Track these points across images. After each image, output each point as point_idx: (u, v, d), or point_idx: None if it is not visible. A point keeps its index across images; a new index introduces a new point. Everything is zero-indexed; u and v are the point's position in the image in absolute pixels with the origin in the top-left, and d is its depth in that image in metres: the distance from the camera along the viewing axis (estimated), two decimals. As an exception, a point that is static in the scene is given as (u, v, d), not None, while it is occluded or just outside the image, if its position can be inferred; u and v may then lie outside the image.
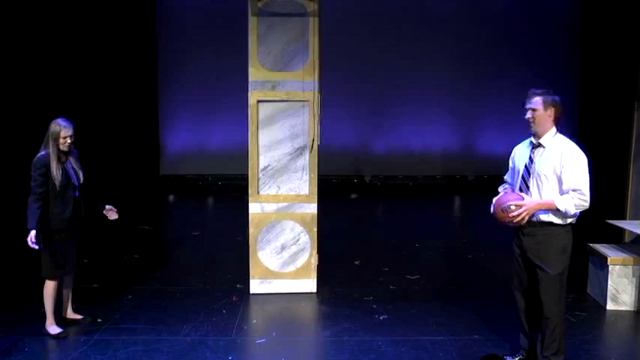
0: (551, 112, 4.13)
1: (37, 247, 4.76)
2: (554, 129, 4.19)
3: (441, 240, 8.44)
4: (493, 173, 13.19)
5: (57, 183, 4.82)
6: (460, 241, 8.54)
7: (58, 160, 4.86)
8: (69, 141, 4.88)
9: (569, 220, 4.14)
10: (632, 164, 7.11)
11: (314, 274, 6.14)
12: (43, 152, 4.87)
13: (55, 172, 4.81)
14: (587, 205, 4.06)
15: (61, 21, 10.17)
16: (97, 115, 11.08)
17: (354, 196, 12.97)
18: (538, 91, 4.19)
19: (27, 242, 4.75)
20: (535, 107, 4.15)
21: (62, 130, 4.85)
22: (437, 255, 7.72)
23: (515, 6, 13.39)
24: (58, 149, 4.86)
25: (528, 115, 4.19)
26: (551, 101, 4.14)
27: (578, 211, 4.08)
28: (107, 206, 5.31)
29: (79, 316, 5.34)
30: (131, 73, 12.41)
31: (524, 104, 4.21)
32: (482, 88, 13.48)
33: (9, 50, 8.81)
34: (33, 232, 4.74)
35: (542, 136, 4.19)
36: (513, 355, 4.58)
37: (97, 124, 10.73)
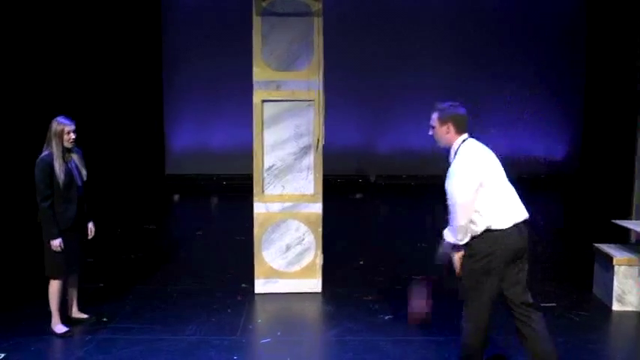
0: (449, 127, 3.96)
1: (60, 249, 4.88)
2: (455, 143, 3.98)
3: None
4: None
5: (60, 182, 4.83)
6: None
7: (62, 158, 4.87)
8: (72, 136, 4.91)
9: (476, 230, 3.83)
10: (637, 163, 7.07)
11: (319, 274, 6.13)
12: (46, 152, 4.88)
13: (58, 171, 4.82)
14: (456, 223, 3.81)
15: (65, 20, 10.18)
16: (102, 114, 11.09)
17: (358, 195, 12.95)
18: (438, 106, 4.03)
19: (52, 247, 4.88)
20: (432, 124, 4.02)
21: (66, 127, 4.88)
22: (441, 255, 7.69)
23: (519, 6, 13.35)
24: (63, 147, 4.88)
25: (430, 132, 4.06)
26: (448, 115, 3.96)
27: (453, 233, 3.87)
28: (90, 225, 5.27)
29: (84, 315, 5.34)
30: (135, 72, 12.43)
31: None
32: (485, 88, 13.41)
33: (11, 49, 8.82)
34: (58, 241, 4.85)
35: (449, 152, 4.02)
36: None
37: (101, 124, 10.75)
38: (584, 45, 13.07)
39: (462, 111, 4.01)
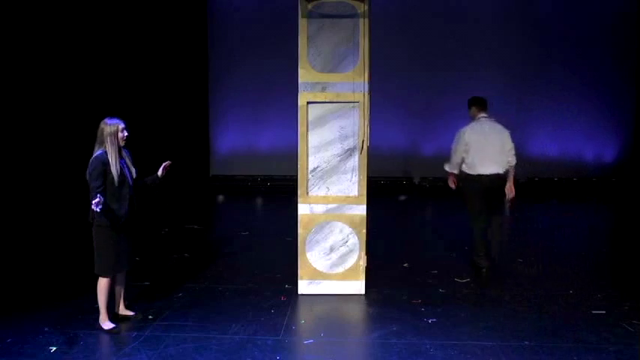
0: (474, 109, 6.87)
1: (97, 208, 4.63)
2: (476, 117, 6.84)
3: (490, 243, 8.28)
4: (544, 176, 12.96)
5: (115, 180, 4.92)
6: (510, 244, 8.38)
7: (117, 157, 4.97)
8: (126, 134, 5.03)
9: (463, 169, 6.83)
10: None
11: (362, 276, 6.12)
12: (99, 152, 4.98)
13: (114, 169, 4.91)
14: (450, 160, 6.90)
15: (113, 22, 10.40)
16: (148, 115, 11.29)
17: (402, 197, 12.88)
18: (469, 98, 6.99)
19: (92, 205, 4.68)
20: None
21: (120, 125, 4.99)
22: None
23: (571, 10, 13.10)
24: (118, 145, 4.98)
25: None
26: (471, 102, 6.93)
27: (448, 164, 6.96)
28: (159, 172, 5.45)
29: (131, 313, 5.44)
30: (182, 74, 12.62)
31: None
32: (535, 92, 13.25)
33: (60, 52, 9.06)
34: (98, 198, 4.65)
35: None
36: None
37: (148, 125, 10.94)
38: (636, 49, 12.76)
39: (481, 98, 6.89)
